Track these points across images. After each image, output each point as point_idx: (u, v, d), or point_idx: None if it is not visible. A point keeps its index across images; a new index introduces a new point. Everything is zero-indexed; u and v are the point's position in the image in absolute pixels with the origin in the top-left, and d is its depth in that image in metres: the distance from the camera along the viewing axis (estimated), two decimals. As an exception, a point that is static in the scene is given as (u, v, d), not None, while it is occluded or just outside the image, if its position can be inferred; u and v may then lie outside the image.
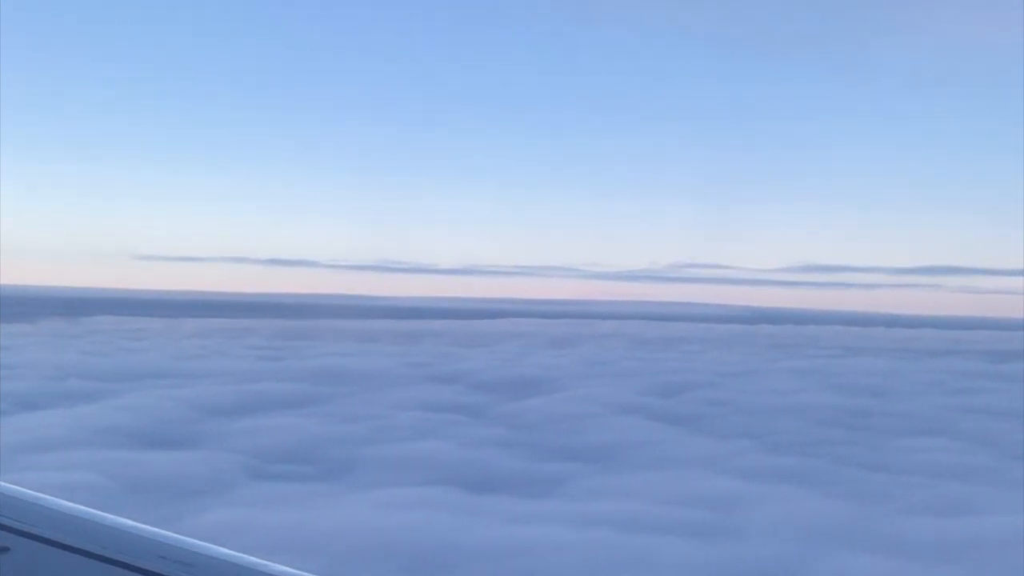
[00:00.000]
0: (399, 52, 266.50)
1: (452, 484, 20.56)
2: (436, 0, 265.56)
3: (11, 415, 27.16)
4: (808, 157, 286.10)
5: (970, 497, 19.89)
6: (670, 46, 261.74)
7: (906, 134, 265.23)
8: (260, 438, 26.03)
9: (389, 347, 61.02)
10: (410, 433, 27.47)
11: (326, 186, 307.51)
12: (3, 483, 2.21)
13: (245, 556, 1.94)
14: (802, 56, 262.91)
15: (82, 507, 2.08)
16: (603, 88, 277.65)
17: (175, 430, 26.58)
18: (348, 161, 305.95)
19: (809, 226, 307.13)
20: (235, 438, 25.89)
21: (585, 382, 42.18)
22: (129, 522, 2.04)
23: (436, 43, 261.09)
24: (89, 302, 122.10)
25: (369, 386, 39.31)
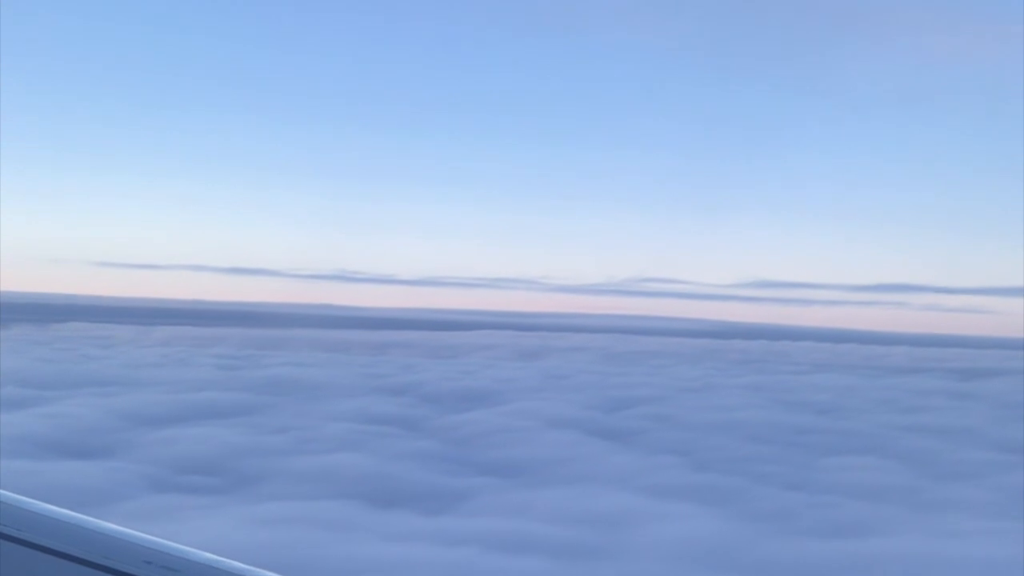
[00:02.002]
0: (360, 57, 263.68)
1: (354, 498, 20.27)
2: (400, 4, 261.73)
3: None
4: (766, 173, 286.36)
5: (876, 517, 19.64)
6: (634, 60, 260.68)
7: (865, 151, 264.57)
8: (177, 448, 25.66)
9: (348, 357, 60.68)
10: (334, 445, 27.12)
11: (284, 194, 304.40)
12: None
13: (228, 561, 1.94)
14: (765, 71, 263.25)
15: (67, 511, 2.06)
16: (564, 99, 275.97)
17: (92, 439, 26.19)
18: (308, 169, 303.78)
19: (763, 243, 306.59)
20: (151, 448, 25.52)
21: (534, 395, 41.87)
22: (114, 526, 2.03)
23: (397, 48, 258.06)
24: (59, 308, 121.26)
25: (314, 396, 38.98)
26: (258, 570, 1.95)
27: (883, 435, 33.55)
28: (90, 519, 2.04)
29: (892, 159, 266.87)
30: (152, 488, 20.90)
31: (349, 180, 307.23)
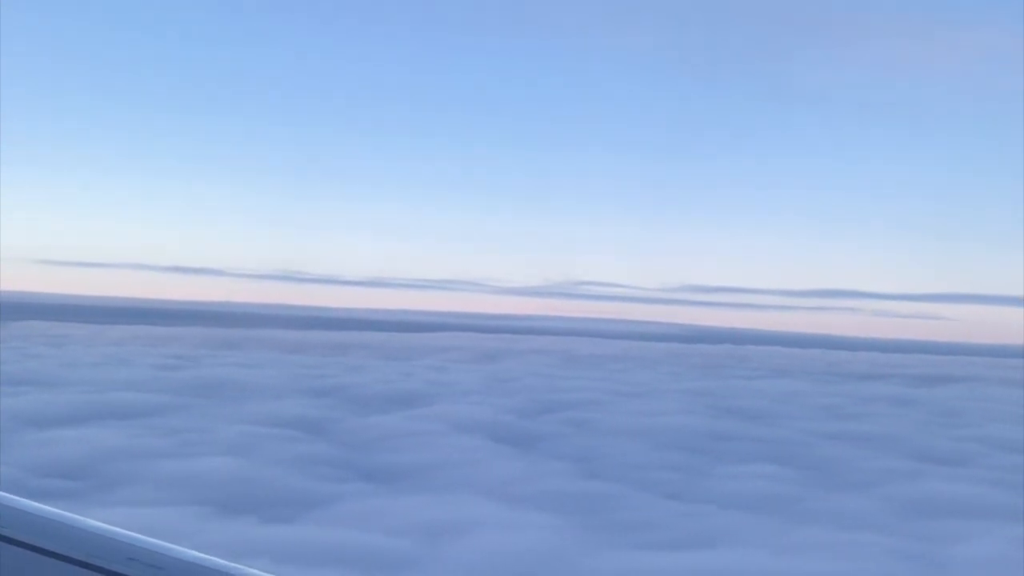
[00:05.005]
0: (303, 53, 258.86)
1: (204, 504, 19.58)
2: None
3: None
4: (707, 176, 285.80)
5: (739, 528, 18.99)
6: (589, 63, 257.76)
7: (813, 156, 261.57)
8: (52, 450, 24.94)
9: (295, 358, 59.91)
10: (220, 448, 26.38)
11: (220, 191, 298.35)
12: None
13: (213, 558, 1.91)
14: (721, 75, 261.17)
15: (48, 508, 2.01)
16: (511, 100, 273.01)
17: (-35, 441, 25.42)
18: (244, 167, 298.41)
19: (697, 246, 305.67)
20: (23, 450, 24.74)
21: (463, 398, 41.24)
22: (96, 523, 1.99)
23: (341, 44, 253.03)
24: (15, 306, 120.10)
25: (234, 398, 38.23)
26: (241, 567, 1.91)
27: (801, 442, 32.95)
28: (71, 515, 2.00)
29: (839, 164, 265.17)
30: (-2, 492, 20.14)
31: (284, 178, 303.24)
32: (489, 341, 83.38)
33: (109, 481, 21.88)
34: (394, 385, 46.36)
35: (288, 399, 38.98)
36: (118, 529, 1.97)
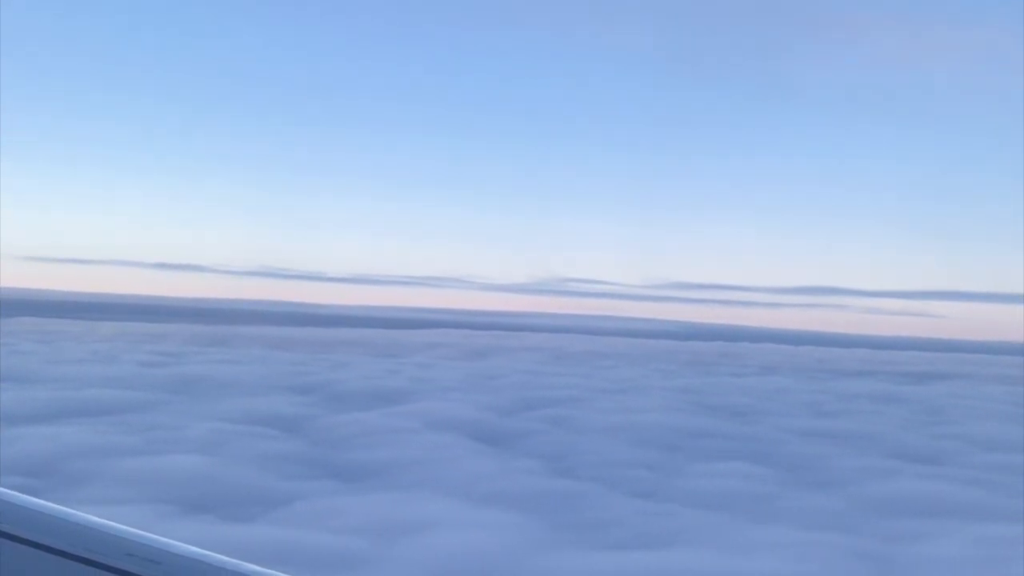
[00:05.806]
0: (287, 50, 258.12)
1: (164, 502, 19.33)
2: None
3: None
4: (697, 175, 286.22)
5: (701, 527, 18.78)
6: (578, 60, 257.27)
7: (805, 157, 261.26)
8: (14, 448, 24.68)
9: (283, 354, 59.68)
10: (190, 446, 26.14)
11: (200, 188, 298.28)
12: None
13: (213, 554, 1.90)
14: (711, 73, 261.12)
15: (47, 503, 1.99)
16: (501, 97, 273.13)
17: (-71, 438, 25.18)
18: (236, 165, 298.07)
19: (680, 245, 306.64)
20: (-11, 447, 24.55)
21: (444, 395, 41.03)
22: (95, 519, 1.97)
23: (326, 40, 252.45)
24: (10, 303, 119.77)
25: (213, 395, 37.98)
26: (240, 563, 1.89)
27: (779, 440, 32.78)
28: (71, 511, 1.98)
29: (830, 161, 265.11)
30: (-44, 490, 19.90)
31: (269, 175, 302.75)
32: (476, 338, 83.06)
33: (70, 479, 21.61)
34: (377, 382, 46.15)
35: (268, 396, 38.75)
36: (117, 525, 1.97)
